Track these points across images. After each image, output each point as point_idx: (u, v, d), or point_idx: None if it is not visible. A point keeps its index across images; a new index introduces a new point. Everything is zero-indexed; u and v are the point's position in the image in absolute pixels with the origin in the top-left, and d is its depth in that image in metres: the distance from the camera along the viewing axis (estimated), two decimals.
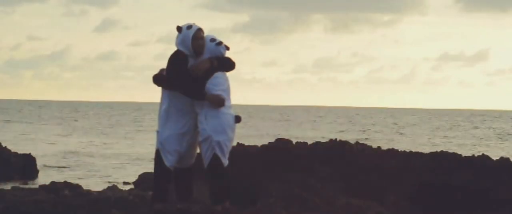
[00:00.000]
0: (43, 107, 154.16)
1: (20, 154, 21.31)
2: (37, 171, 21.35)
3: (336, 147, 11.64)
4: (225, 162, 8.63)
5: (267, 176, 10.88)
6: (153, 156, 9.01)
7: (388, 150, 11.94)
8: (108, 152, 33.36)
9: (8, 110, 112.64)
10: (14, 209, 9.47)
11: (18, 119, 76.73)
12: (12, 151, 21.26)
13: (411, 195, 11.03)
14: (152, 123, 67.58)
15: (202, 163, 8.68)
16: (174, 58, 8.64)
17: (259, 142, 13.95)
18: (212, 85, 8.56)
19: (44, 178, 19.98)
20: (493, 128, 75.93)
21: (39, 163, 22.30)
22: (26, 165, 20.85)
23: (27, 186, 14.88)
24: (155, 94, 8.95)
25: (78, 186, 11.87)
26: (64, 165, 26.23)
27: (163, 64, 8.74)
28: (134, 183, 16.79)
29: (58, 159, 28.50)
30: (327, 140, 11.95)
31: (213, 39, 8.72)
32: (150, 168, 21.08)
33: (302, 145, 11.79)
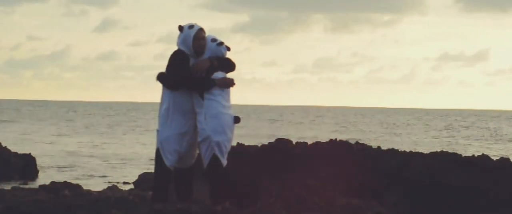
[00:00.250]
0: (43, 106, 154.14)
1: (20, 154, 21.31)
2: (37, 171, 21.35)
3: (336, 147, 11.65)
4: (224, 162, 8.63)
5: (267, 176, 10.88)
6: (153, 156, 9.01)
7: (388, 150, 11.95)
8: (108, 152, 33.37)
9: (8, 110, 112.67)
10: (14, 209, 9.46)
11: (18, 119, 76.75)
12: (12, 151, 21.27)
13: (411, 195, 11.03)
14: (152, 122, 67.57)
15: (202, 163, 8.68)
16: (175, 57, 8.64)
17: (259, 142, 13.95)
18: None
19: (44, 178, 19.99)
20: (485, 128, 75.91)
21: (39, 163, 22.30)
22: (26, 165, 20.86)
23: (27, 186, 14.87)
24: (155, 94, 8.95)
25: (78, 186, 11.87)
26: (64, 165, 26.22)
27: (163, 64, 8.74)
28: (134, 183, 16.80)
29: (58, 159, 28.51)
30: (326, 140, 11.96)
31: (214, 40, 8.73)
32: (150, 168, 21.12)
33: (302, 145, 11.79)
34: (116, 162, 28.26)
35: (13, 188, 11.54)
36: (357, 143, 12.14)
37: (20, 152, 22.04)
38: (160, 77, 8.70)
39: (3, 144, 21.24)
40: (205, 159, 8.61)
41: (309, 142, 12.07)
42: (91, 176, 23.11)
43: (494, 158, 11.56)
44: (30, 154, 21.78)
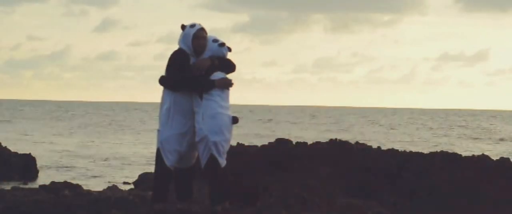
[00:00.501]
0: (43, 106, 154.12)
1: (20, 154, 21.31)
2: (37, 171, 21.35)
3: (336, 147, 11.64)
4: (223, 162, 8.63)
5: (267, 176, 10.87)
6: (153, 156, 9.01)
7: (388, 150, 11.95)
8: (108, 152, 33.37)
9: (8, 110, 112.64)
10: (14, 209, 9.45)
11: (18, 118, 76.73)
12: (12, 151, 21.27)
13: (411, 195, 11.03)
14: (153, 122, 67.57)
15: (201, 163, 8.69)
16: (176, 56, 8.65)
17: (259, 142, 13.95)
18: None
19: (44, 178, 19.99)
20: (485, 128, 75.92)
21: (39, 163, 22.30)
22: (26, 165, 20.85)
23: (27, 186, 14.89)
24: (155, 94, 8.96)
25: (78, 186, 11.87)
26: (64, 165, 26.22)
27: (163, 64, 8.75)
28: (134, 183, 16.81)
29: (58, 159, 28.50)
30: (325, 140, 11.96)
31: (215, 40, 8.74)
32: (150, 168, 21.13)
33: (302, 145, 11.79)
34: (116, 162, 28.25)
35: (13, 188, 11.54)
36: (357, 143, 12.14)
37: (20, 152, 22.04)
38: (162, 80, 8.72)
39: (3, 144, 21.24)
40: (203, 159, 8.62)
41: (309, 142, 12.07)
42: (91, 176, 23.12)
43: (494, 158, 11.56)
44: (30, 154, 21.77)
